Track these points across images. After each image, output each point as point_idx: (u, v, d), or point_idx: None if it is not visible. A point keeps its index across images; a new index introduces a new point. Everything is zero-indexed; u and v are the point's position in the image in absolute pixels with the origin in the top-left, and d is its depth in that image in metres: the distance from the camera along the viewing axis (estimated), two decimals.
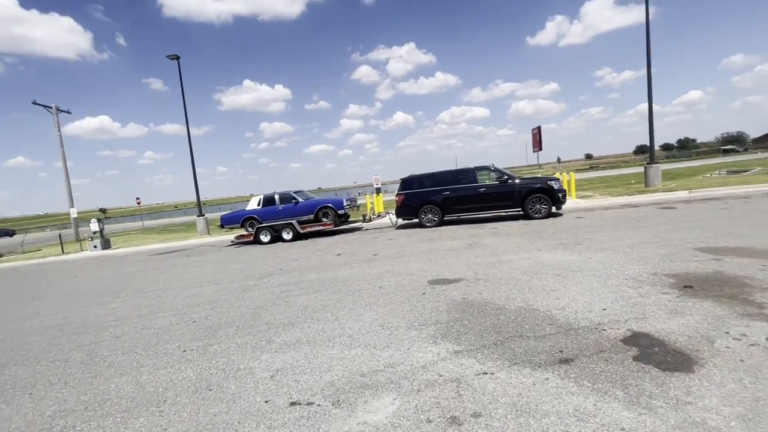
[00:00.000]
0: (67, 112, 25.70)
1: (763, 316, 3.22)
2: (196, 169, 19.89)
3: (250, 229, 12.89)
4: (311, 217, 12.48)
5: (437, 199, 11.27)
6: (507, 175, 10.94)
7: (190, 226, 27.05)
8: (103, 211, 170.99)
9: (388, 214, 13.21)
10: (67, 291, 8.56)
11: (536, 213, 10.44)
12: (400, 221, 12.90)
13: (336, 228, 12.58)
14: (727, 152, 72.93)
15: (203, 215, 19.97)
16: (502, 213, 11.21)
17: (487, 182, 11.03)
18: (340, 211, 12.36)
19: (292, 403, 2.71)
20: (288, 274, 7.25)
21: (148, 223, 39.47)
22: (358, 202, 13.74)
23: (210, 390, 3.06)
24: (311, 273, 7.10)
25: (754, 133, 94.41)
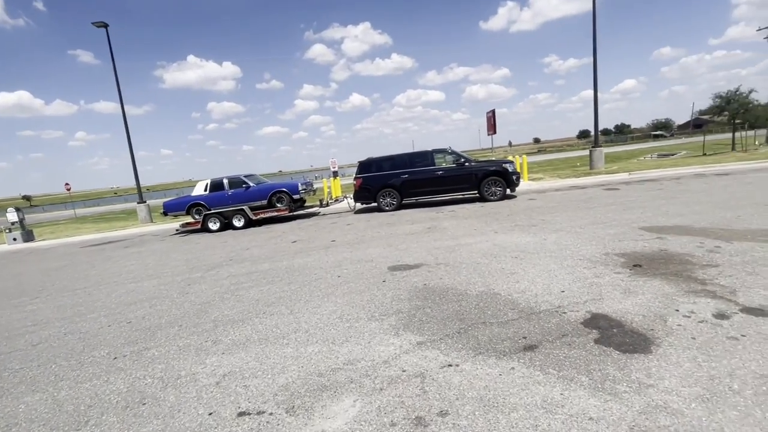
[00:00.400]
0: None
1: (706, 293, 3.37)
2: (138, 153, 18.16)
3: (197, 217, 12.00)
4: (264, 202, 11.84)
5: (395, 182, 11.10)
6: (463, 158, 10.97)
7: (130, 214, 25.00)
8: (27, 198, 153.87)
9: (346, 198, 12.87)
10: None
11: (492, 195, 10.61)
12: (359, 205, 12.63)
13: (291, 214, 12.06)
14: (657, 137, 79.54)
15: (144, 202, 18.40)
16: (458, 196, 11.29)
17: (445, 165, 11.01)
18: (296, 196, 11.83)
19: (241, 414, 2.42)
20: (239, 265, 6.77)
21: (81, 211, 35.85)
22: (315, 186, 13.24)
23: (144, 404, 2.68)
24: (264, 263, 6.68)
25: (679, 120, 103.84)
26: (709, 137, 45.92)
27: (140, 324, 4.35)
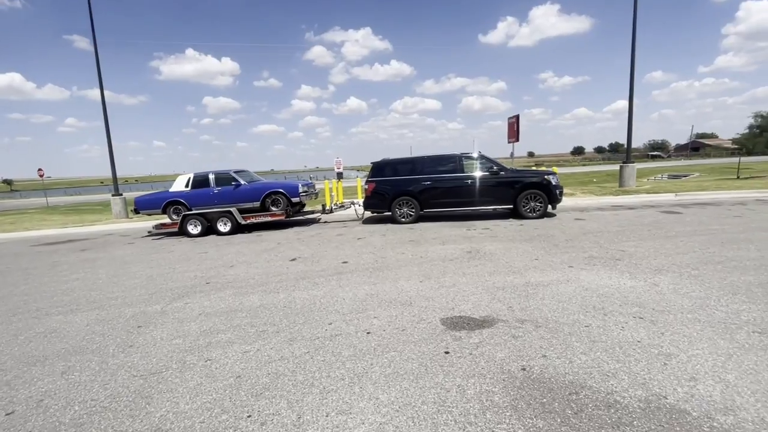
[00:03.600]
0: None
1: None
2: (129, 143, 16.13)
3: (174, 217, 10.05)
4: (257, 204, 9.94)
5: (415, 189, 9.30)
6: (497, 165, 9.25)
7: (107, 207, 22.74)
8: (8, 183, 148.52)
9: (354, 204, 11.03)
10: None
11: (530, 212, 8.89)
12: (367, 214, 10.81)
13: (288, 219, 10.18)
14: (653, 157, 79.32)
15: (120, 194, 16.33)
16: (488, 209, 9.54)
17: (475, 173, 9.27)
18: (294, 199, 9.96)
19: None
20: (217, 293, 4.89)
21: (55, 200, 33.29)
22: (317, 188, 11.38)
23: None
24: (253, 293, 4.81)
25: (672, 141, 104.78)
26: (712, 161, 45.33)
27: (23, 420, 2.45)
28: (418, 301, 4.12)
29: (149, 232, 10.20)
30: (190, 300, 4.70)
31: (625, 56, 14.44)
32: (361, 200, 11.58)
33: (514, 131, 15.07)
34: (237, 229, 9.65)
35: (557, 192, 8.91)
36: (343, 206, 10.97)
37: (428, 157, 9.61)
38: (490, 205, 9.24)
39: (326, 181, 13.36)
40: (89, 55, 15.29)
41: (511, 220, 9.03)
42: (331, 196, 11.76)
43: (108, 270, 6.69)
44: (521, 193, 8.87)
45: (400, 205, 9.41)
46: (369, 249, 6.90)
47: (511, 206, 9.04)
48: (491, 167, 9.07)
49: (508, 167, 9.42)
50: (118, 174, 16.99)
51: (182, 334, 3.66)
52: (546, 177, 8.93)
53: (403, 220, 9.39)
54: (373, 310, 3.93)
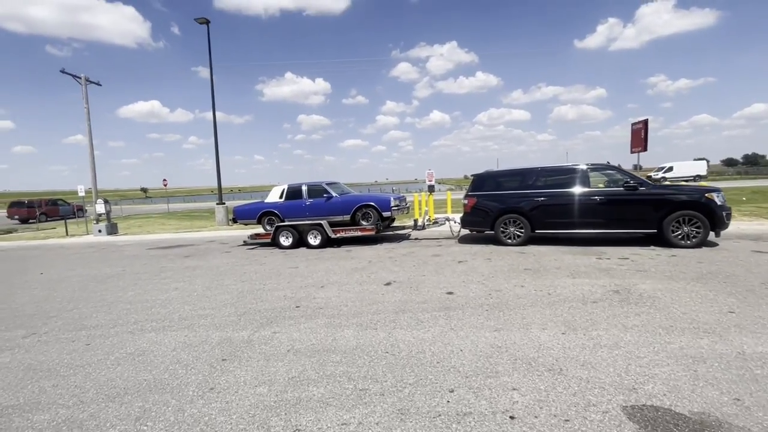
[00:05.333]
0: (98, 84, 24.05)
1: None
2: (235, 157, 17.63)
3: (268, 228, 10.09)
4: (347, 218, 9.50)
5: (526, 206, 7.93)
6: (636, 179, 7.45)
7: (213, 213, 25.03)
8: (144, 190, 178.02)
9: (449, 221, 9.99)
10: None
11: (683, 239, 6.92)
12: (464, 232, 9.68)
13: (378, 235, 9.55)
14: None
15: (223, 203, 17.62)
16: (620, 232, 7.73)
17: (604, 188, 7.60)
18: (386, 214, 9.30)
19: None
20: (308, 322, 4.25)
21: (174, 206, 38.23)
22: (408, 202, 10.60)
23: None
24: (348, 326, 4.06)
25: None
26: None
27: None
28: (570, 367, 2.93)
29: (244, 241, 10.41)
30: (278, 328, 4.12)
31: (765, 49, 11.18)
32: (454, 215, 10.51)
33: (640, 139, 12.66)
34: (327, 242, 9.28)
35: (723, 214, 6.81)
36: (437, 222, 10.00)
37: (542, 168, 8.18)
38: (626, 229, 7.44)
39: (416, 194, 12.58)
40: (208, 83, 16.94)
41: (653, 247, 7.14)
42: (424, 211, 10.89)
43: (204, 281, 6.63)
44: (671, 214, 6.96)
45: (506, 224, 8.11)
46: (476, 277, 5.79)
47: (655, 230, 7.15)
48: (628, 181, 7.32)
49: (650, 182, 7.53)
50: (224, 184, 18.44)
51: (268, 380, 3.00)
52: (707, 194, 6.89)
53: (510, 241, 8.06)
54: (507, 375, 2.85)
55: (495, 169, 8.83)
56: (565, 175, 7.82)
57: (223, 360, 3.42)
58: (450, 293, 5.03)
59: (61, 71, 21.26)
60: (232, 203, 22.27)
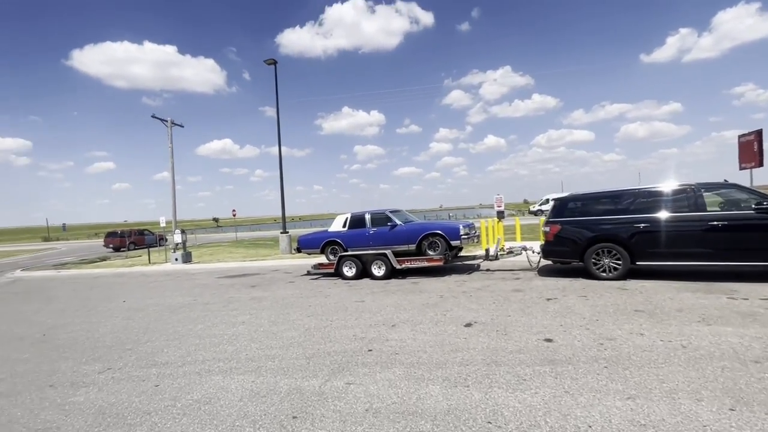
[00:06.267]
0: (180, 126, 26.60)
1: None
2: (295, 188, 18.38)
3: (331, 258, 9.88)
4: (412, 247, 8.97)
5: (623, 234, 6.83)
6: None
7: (277, 242, 25.91)
8: (215, 220, 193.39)
9: (526, 250, 9.03)
10: (79, 331, 6.23)
11: None
12: (543, 262, 8.66)
13: (445, 265, 8.87)
14: None
15: (287, 232, 18.05)
16: (755, 265, 6.31)
17: (726, 211, 6.32)
18: (454, 243, 8.63)
19: None
20: (384, 372, 3.70)
21: (242, 235, 40.60)
22: (476, 229, 9.84)
23: None
24: (432, 380, 3.44)
25: None
26: None
27: None
28: None
29: (308, 271, 10.27)
30: (352, 377, 3.62)
31: None
32: (530, 244, 9.52)
33: (752, 153, 10.80)
34: (391, 273, 8.79)
35: None
36: (511, 252, 9.08)
37: (640, 189, 7.08)
38: (757, 260, 6.05)
39: (482, 221, 11.75)
40: (274, 121, 17.97)
41: None
42: (497, 239, 10.03)
43: (270, 314, 6.41)
44: None
45: (598, 254, 7.03)
46: (575, 319, 4.88)
47: None
48: (761, 202, 6.00)
49: None
50: (286, 213, 19.03)
51: None
52: None
53: (604, 275, 6.94)
54: None
55: (580, 192, 7.84)
56: (670, 196, 6.65)
57: (293, 418, 2.96)
58: (549, 340, 4.21)
59: (151, 116, 23.75)
60: (294, 231, 22.92)
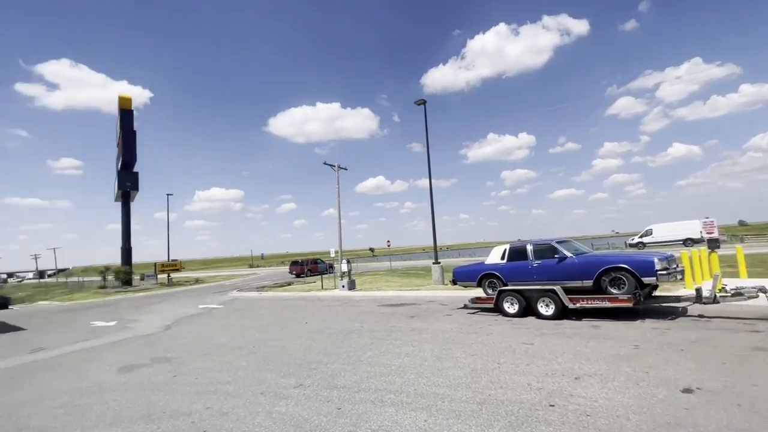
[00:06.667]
0: (345, 169, 30.65)
1: None
2: (442, 217, 18.65)
3: (489, 292, 9.36)
4: (588, 283, 7.72)
5: None
6: None
7: (428, 272, 26.51)
8: (371, 250, 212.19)
9: (765, 293, 6.65)
10: (276, 347, 7.39)
11: None
12: None
13: (635, 307, 7.27)
14: None
15: (439, 263, 18.19)
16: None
17: None
18: (647, 279, 7.04)
19: None
20: None
21: (396, 264, 43.22)
22: (678, 263, 7.81)
23: None
24: None
25: None
26: None
27: None
28: None
29: (465, 305, 9.97)
30: None
31: None
32: None
33: None
34: (562, 313, 7.71)
35: None
36: (740, 294, 6.82)
37: None
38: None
39: (684, 251, 9.40)
40: (421, 156, 18.88)
41: None
42: (715, 277, 7.82)
43: (432, 348, 6.36)
44: None
45: None
46: None
47: None
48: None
49: None
50: (436, 243, 19.31)
51: None
52: None
53: None
54: None
55: None
56: None
57: None
58: None
59: (323, 163, 27.94)
60: (445, 261, 23.02)
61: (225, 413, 4.24)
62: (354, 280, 18.69)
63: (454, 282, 10.70)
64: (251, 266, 78.18)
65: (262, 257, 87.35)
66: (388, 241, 34.07)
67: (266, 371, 5.77)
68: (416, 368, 5.32)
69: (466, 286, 10.63)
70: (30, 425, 4.35)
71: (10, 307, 23.93)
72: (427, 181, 19.18)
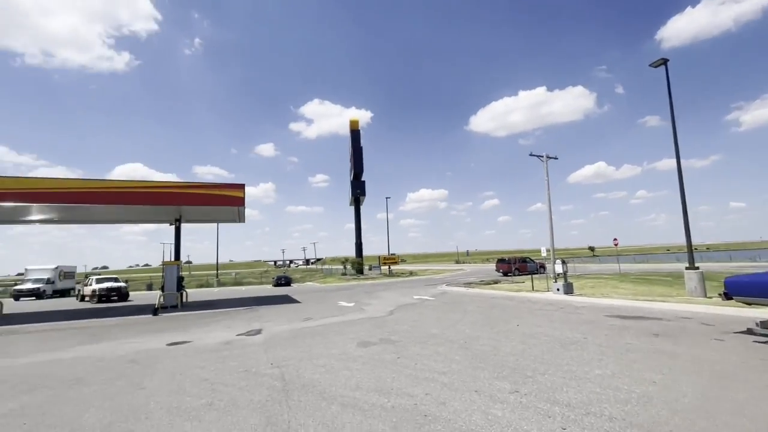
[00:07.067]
0: (555, 158, 27.80)
1: None
2: (699, 207, 14.39)
3: None
4: None
5: None
6: None
7: (676, 279, 20.76)
8: (591, 249, 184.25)
9: None
10: (486, 346, 7.22)
11: None
12: None
13: None
14: None
15: (697, 268, 13.85)
16: None
17: None
18: None
19: None
20: None
21: (625, 267, 35.61)
22: None
23: None
24: None
25: None
26: None
27: None
28: None
29: (749, 329, 7.13)
30: None
31: None
32: None
33: None
34: None
35: None
36: None
37: None
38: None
39: None
40: (659, 131, 14.87)
41: None
42: None
43: (693, 381, 4.81)
44: None
45: None
46: None
47: None
48: None
49: None
50: (681, 241, 14.68)
51: None
52: None
53: None
54: None
55: None
56: None
57: None
58: None
59: (530, 154, 26.15)
60: (705, 266, 17.46)
61: (442, 402, 4.43)
62: (571, 284, 16.55)
63: (726, 295, 7.85)
64: (457, 262, 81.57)
65: (467, 254, 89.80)
66: (615, 239, 28.59)
67: (479, 369, 5.74)
68: (671, 404, 4.12)
69: (750, 304, 7.61)
70: (305, 376, 5.79)
71: (291, 285, 34.14)
72: (673, 161, 14.93)
